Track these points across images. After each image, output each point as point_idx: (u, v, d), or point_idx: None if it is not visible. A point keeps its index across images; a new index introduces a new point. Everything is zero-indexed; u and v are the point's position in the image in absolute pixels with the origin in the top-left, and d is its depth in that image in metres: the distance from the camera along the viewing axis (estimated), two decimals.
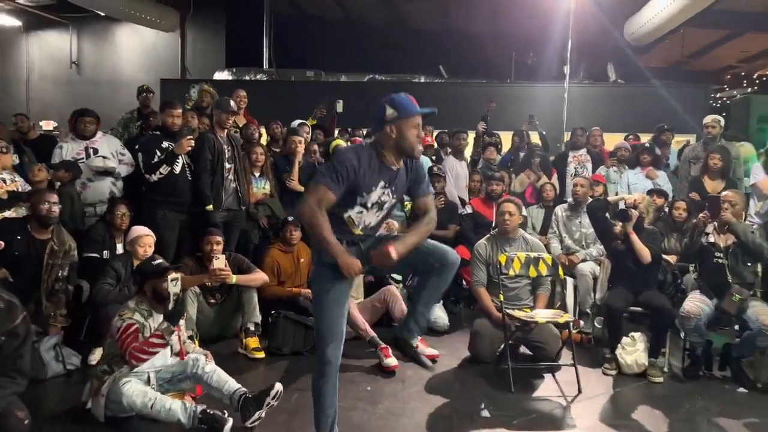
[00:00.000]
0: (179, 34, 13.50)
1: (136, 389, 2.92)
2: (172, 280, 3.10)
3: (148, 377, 3.05)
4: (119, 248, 4.40)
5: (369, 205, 2.53)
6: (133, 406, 2.89)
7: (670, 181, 6.06)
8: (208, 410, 2.93)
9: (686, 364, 4.06)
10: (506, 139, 7.68)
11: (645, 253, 4.11)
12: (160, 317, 3.20)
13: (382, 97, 2.61)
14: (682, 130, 8.13)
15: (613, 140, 6.99)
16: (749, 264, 4.00)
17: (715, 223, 4.10)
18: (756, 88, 15.72)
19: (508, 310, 3.94)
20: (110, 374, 3.02)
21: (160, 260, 3.37)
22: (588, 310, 4.90)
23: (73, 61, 14.18)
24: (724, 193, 4.34)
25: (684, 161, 6.02)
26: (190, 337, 3.83)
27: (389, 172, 2.53)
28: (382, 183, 2.52)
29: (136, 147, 5.01)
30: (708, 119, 5.86)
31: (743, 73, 17.27)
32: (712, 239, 4.08)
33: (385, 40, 15.19)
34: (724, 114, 7.11)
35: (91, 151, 4.97)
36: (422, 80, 13.21)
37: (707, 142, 5.76)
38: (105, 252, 4.34)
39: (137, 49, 14.24)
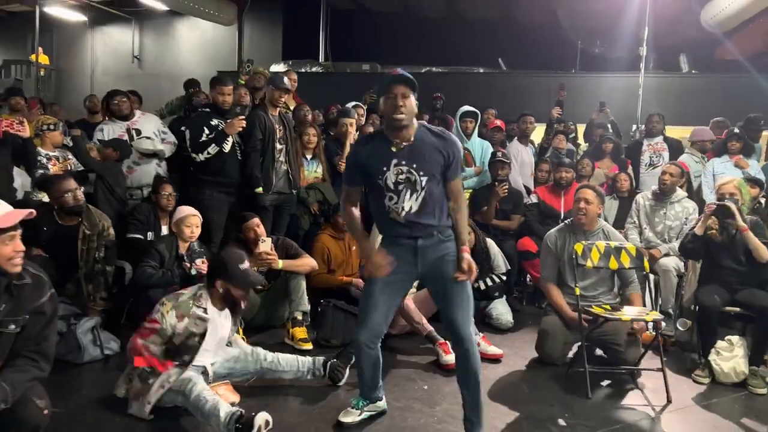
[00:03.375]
0: (236, 27, 13.57)
1: (199, 383, 2.69)
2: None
3: (205, 370, 2.81)
4: (164, 230, 4.21)
5: (392, 186, 2.52)
6: (188, 400, 2.65)
7: (764, 171, 5.43)
8: (241, 411, 2.62)
9: None
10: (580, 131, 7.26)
11: (763, 251, 3.57)
12: (218, 316, 2.95)
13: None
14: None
15: (684, 134, 6.42)
16: None
17: None
18: None
19: (585, 307, 3.49)
20: (148, 380, 2.76)
21: (247, 267, 3.02)
22: (670, 311, 4.39)
23: (134, 55, 14.44)
24: None
25: None
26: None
27: (397, 148, 2.52)
28: (394, 161, 2.51)
29: (182, 128, 4.84)
30: None
31: None
32: None
33: (442, 32, 14.93)
34: None
35: (133, 132, 4.79)
36: (481, 71, 12.78)
37: None
38: (150, 233, 4.15)
39: (196, 43, 14.39)
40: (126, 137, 4.71)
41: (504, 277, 4.68)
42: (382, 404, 2.88)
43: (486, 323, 4.44)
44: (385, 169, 2.50)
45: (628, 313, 3.45)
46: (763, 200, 4.79)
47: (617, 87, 9.72)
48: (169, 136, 4.86)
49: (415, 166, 2.49)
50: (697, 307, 3.69)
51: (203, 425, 2.65)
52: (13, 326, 2.01)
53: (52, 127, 4.50)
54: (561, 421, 2.88)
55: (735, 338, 3.53)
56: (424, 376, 3.46)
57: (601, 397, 3.25)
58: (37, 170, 4.32)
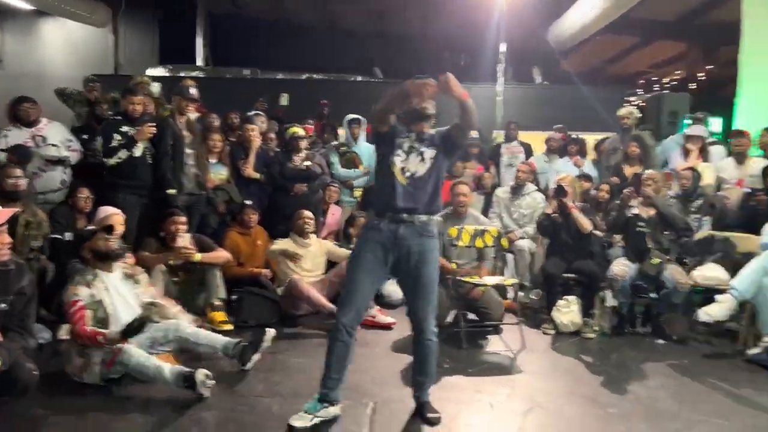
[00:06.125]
0: (111, 30, 13.23)
1: (133, 351, 3.08)
2: (144, 306, 3.35)
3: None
4: None
5: (406, 148, 2.82)
6: (128, 367, 3.04)
7: (596, 169, 6.68)
8: (187, 370, 3.10)
9: (614, 322, 4.59)
10: None
11: (585, 223, 4.62)
12: (108, 275, 3.36)
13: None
14: (603, 128, 8.85)
15: (539, 138, 7.56)
16: (666, 233, 4.58)
17: (639, 198, 4.67)
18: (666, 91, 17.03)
19: (458, 278, 4.33)
20: (88, 352, 3.14)
21: (106, 224, 3.58)
22: (526, 283, 5.40)
23: None
24: (647, 172, 4.95)
25: (605, 153, 6.66)
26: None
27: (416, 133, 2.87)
28: (414, 135, 2.85)
29: (85, 136, 5.09)
30: (622, 111, 6.53)
31: (654, 78, 18.71)
32: (636, 211, 4.63)
33: (321, 40, 15.39)
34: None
35: (39, 139, 4.96)
36: (359, 79, 13.53)
37: (623, 133, 6.41)
38: (68, 234, 4.40)
39: (65, 44, 13.80)
40: (32, 144, 4.87)
41: None
42: (335, 410, 2.84)
43: (381, 301, 5.16)
44: (406, 135, 2.84)
45: (490, 281, 4.35)
46: (594, 191, 5.94)
47: (481, 96, 10.82)
48: (75, 143, 5.07)
49: (427, 144, 2.85)
50: (544, 275, 4.68)
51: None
52: (3, 305, 2.39)
53: None
54: (444, 365, 3.66)
55: (571, 298, 4.56)
56: None
57: (473, 347, 4.10)
58: None
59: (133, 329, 3.14)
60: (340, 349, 2.78)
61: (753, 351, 3.95)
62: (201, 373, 3.01)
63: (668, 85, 17.19)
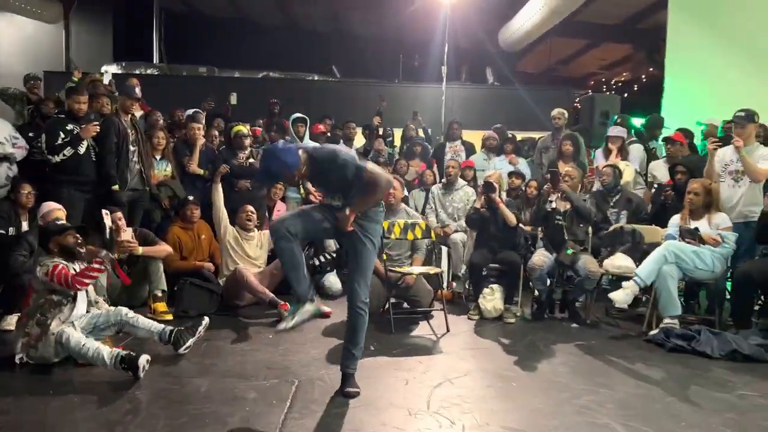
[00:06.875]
0: (63, 26, 13.12)
1: (73, 333, 3.30)
2: (105, 214, 3.71)
3: (73, 325, 3.40)
4: (24, 226, 4.62)
5: None
6: (68, 347, 3.26)
7: (529, 167, 7.07)
8: (125, 352, 3.33)
9: (534, 308, 4.95)
10: (398, 134, 8.49)
11: (511, 217, 4.96)
12: (75, 266, 3.56)
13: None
14: (546, 128, 9.30)
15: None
16: (581, 225, 4.96)
17: (557, 193, 5.03)
18: (613, 92, 17.74)
19: (389, 268, 4.62)
20: (46, 322, 3.35)
21: (62, 221, 3.77)
22: (460, 274, 5.73)
23: None
24: (565, 168, 5.32)
25: (537, 150, 7.05)
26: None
27: None
28: None
29: (30, 134, 5.21)
30: (554, 112, 6.93)
31: (603, 79, 19.42)
32: (554, 205, 4.99)
33: (279, 39, 15.52)
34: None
35: None
36: (316, 78, 13.72)
37: (555, 132, 6.81)
38: (11, 229, 4.54)
39: (15, 40, 13.61)
40: None
41: (334, 255, 5.72)
42: (311, 307, 3.10)
43: (321, 292, 5.43)
44: None
45: (417, 270, 4.66)
46: (524, 188, 6.30)
47: (430, 96, 11.15)
48: (20, 140, 5.19)
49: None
50: (470, 266, 5.02)
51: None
52: None
53: None
54: (371, 347, 3.94)
55: (495, 286, 4.90)
56: (269, 330, 4.34)
57: (401, 332, 4.40)
58: None
59: (113, 242, 3.64)
60: (286, 252, 3.04)
61: (653, 332, 4.35)
62: (143, 358, 3.27)
63: (614, 86, 17.87)
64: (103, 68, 12.73)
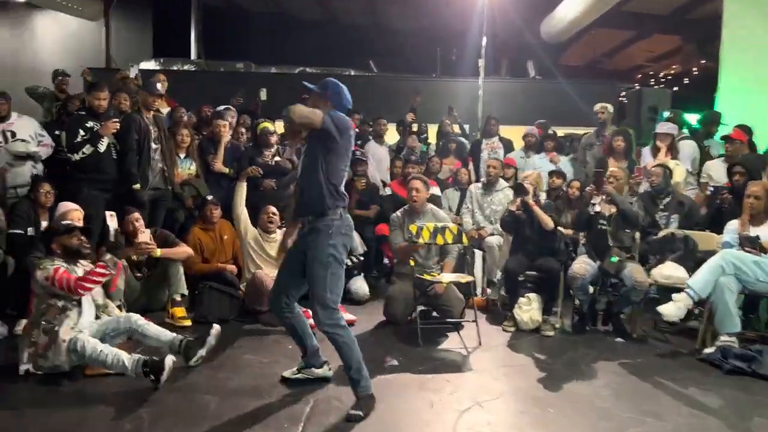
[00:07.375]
0: (103, 23, 13.24)
1: (88, 339, 3.14)
2: (109, 215, 3.53)
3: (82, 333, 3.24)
4: (44, 225, 4.49)
5: None
6: (83, 355, 3.11)
7: (572, 165, 6.65)
8: (146, 357, 3.15)
9: (575, 320, 4.58)
10: (433, 130, 8.16)
11: (547, 220, 4.60)
12: (72, 268, 3.39)
13: None
14: (589, 124, 8.82)
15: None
16: (628, 231, 4.56)
17: (601, 195, 4.64)
18: (662, 86, 16.96)
19: (418, 275, 4.33)
20: (54, 329, 3.20)
21: (67, 220, 3.62)
22: (495, 279, 5.40)
23: None
24: (611, 169, 4.92)
25: (581, 147, 6.62)
26: (119, 307, 4.00)
27: None
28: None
29: (56, 131, 5.10)
30: (597, 106, 6.49)
31: (651, 72, 18.61)
32: (598, 209, 4.60)
33: (316, 34, 15.39)
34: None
35: (8, 134, 5.00)
36: (352, 73, 13.50)
37: (599, 128, 6.37)
38: (30, 229, 4.44)
39: (57, 37, 13.84)
40: (1, 139, 4.90)
41: (362, 258, 5.47)
42: (319, 371, 3.29)
43: (346, 298, 5.17)
44: None
45: (447, 278, 4.35)
46: (566, 188, 5.91)
47: (467, 91, 10.76)
48: (46, 138, 5.10)
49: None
50: (505, 273, 4.68)
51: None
52: None
53: None
54: (393, 362, 3.67)
55: (532, 295, 4.55)
56: (289, 340, 4.09)
57: (429, 344, 4.10)
58: None
59: (118, 245, 3.50)
60: (288, 326, 3.27)
61: (707, 350, 3.94)
62: (169, 359, 3.12)
63: (662, 80, 17.09)
64: (141, 65, 12.89)
